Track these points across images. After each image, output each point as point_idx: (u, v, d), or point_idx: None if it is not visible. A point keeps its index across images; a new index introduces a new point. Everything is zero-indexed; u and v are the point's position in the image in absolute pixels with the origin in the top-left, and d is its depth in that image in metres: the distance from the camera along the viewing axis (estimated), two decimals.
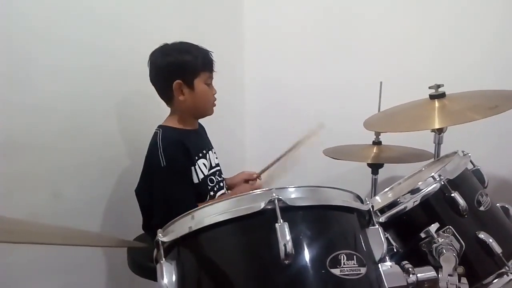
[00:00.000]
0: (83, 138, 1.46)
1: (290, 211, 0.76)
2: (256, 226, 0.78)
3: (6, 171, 1.24)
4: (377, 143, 1.74)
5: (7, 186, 1.24)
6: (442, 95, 1.42)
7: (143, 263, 1.33)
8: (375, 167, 1.74)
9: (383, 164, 1.72)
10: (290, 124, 2.13)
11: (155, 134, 1.36)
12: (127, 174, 1.56)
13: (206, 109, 1.43)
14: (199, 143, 1.44)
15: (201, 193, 1.38)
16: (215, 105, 1.45)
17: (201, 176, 1.37)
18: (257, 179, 1.62)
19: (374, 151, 1.72)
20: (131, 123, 1.64)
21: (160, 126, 1.39)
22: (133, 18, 1.62)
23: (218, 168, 1.50)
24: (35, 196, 1.32)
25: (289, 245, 0.71)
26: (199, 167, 1.38)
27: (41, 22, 1.31)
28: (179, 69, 1.35)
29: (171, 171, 1.28)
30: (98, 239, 1.00)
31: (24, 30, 1.27)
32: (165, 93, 1.39)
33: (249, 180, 1.62)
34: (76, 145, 1.44)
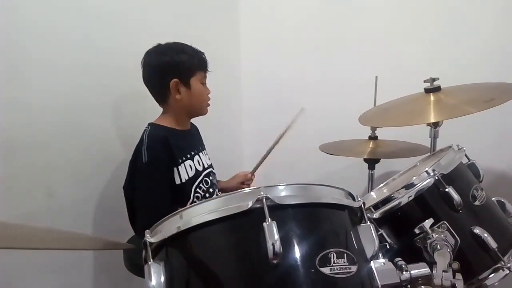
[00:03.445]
0: (78, 137, 1.45)
1: (278, 210, 0.75)
2: (244, 225, 0.77)
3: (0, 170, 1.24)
4: (373, 138, 1.73)
5: (1, 185, 1.24)
6: (437, 89, 1.41)
7: (139, 262, 1.32)
8: (372, 162, 1.73)
9: (379, 159, 1.71)
10: (286, 121, 2.12)
11: (144, 131, 1.36)
12: (122, 173, 1.55)
13: (201, 108, 1.44)
14: (187, 144, 1.43)
15: (183, 195, 1.37)
16: (209, 105, 1.45)
17: (184, 177, 1.36)
18: (253, 178, 1.62)
19: (371, 146, 1.71)
20: (126, 121, 1.63)
21: (150, 124, 1.39)
22: (128, 15, 1.61)
23: (210, 169, 1.49)
24: (29, 196, 1.31)
25: (277, 245, 0.70)
26: (185, 169, 1.37)
27: (36, 21, 1.30)
28: (176, 68, 1.35)
29: (152, 168, 1.28)
30: (86, 241, 0.99)
31: (19, 28, 1.26)
32: (161, 92, 1.39)
33: (246, 181, 1.63)
34: (71, 144, 1.43)
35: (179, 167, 1.35)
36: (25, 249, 0.69)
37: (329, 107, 2.07)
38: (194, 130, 1.54)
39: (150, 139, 1.32)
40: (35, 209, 1.31)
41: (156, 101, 1.42)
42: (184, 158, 1.38)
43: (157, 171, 1.30)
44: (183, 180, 1.35)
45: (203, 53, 1.41)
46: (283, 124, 1.60)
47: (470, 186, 1.09)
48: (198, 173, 1.41)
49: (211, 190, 1.45)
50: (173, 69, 1.35)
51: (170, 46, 1.37)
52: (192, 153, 1.43)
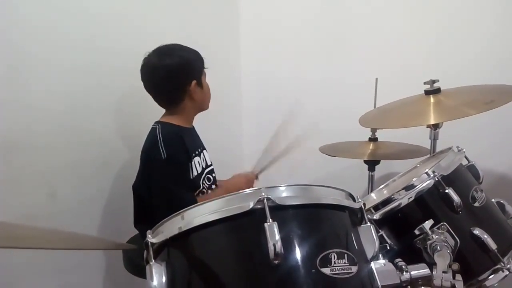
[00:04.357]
0: (79, 138, 1.46)
1: (279, 211, 0.76)
2: (246, 226, 0.78)
3: (1, 171, 1.24)
4: (373, 139, 1.73)
5: (2, 186, 1.24)
6: (437, 91, 1.41)
7: (138, 262, 1.32)
8: (372, 164, 1.73)
9: (379, 160, 1.71)
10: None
11: (154, 129, 1.36)
12: (123, 173, 1.56)
13: (208, 104, 1.48)
14: (194, 142, 1.46)
15: (195, 190, 1.39)
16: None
17: (195, 173, 1.39)
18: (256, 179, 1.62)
19: (371, 147, 1.71)
20: (128, 122, 1.64)
21: (158, 122, 1.40)
22: (128, 16, 1.62)
23: (212, 167, 1.51)
24: (31, 196, 1.32)
25: (278, 245, 0.71)
26: (195, 165, 1.39)
27: (36, 22, 1.31)
28: (191, 70, 1.37)
29: (172, 164, 1.30)
30: (87, 242, 0.99)
31: (19, 29, 1.26)
32: (174, 95, 1.38)
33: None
34: (72, 145, 1.44)
35: (192, 162, 1.38)
36: (27, 248, 0.69)
37: (329, 108, 2.07)
38: (194, 130, 1.55)
39: (166, 136, 1.32)
40: (37, 209, 1.32)
41: (163, 103, 1.41)
42: (193, 155, 1.40)
43: (178, 166, 1.32)
44: (194, 176, 1.38)
45: None
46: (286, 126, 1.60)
47: (470, 187, 1.10)
48: (203, 170, 1.44)
49: (213, 186, 1.48)
50: (189, 72, 1.37)
51: (175, 48, 1.37)
52: (199, 150, 1.46)
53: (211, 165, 1.51)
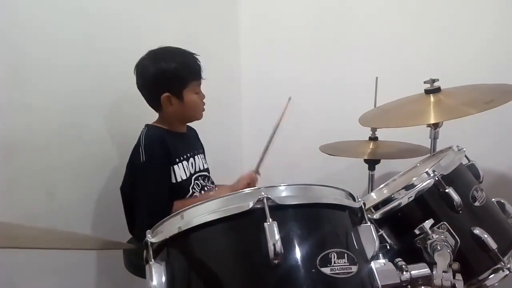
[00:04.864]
0: (78, 138, 1.46)
1: (279, 210, 0.76)
2: (246, 225, 0.78)
3: (1, 171, 1.24)
4: (373, 139, 1.73)
5: (2, 186, 1.24)
6: (437, 90, 1.41)
7: (139, 262, 1.32)
8: (372, 163, 1.73)
9: (379, 160, 1.71)
10: (287, 121, 2.12)
11: (141, 132, 1.38)
12: (123, 173, 1.56)
13: (195, 116, 1.45)
14: (183, 146, 1.44)
15: (179, 195, 1.37)
16: (204, 110, 1.45)
17: (179, 178, 1.37)
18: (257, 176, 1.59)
19: (371, 147, 1.71)
20: (126, 123, 1.63)
21: (146, 125, 1.41)
22: (128, 17, 1.61)
23: (205, 173, 1.50)
24: (30, 196, 1.31)
25: (278, 245, 0.70)
26: (180, 169, 1.38)
27: (36, 22, 1.31)
28: (167, 81, 1.34)
29: (150, 167, 1.30)
30: (86, 241, 0.99)
31: (20, 29, 1.26)
32: (153, 103, 1.40)
33: (251, 182, 1.56)
34: (71, 145, 1.44)
35: (175, 166, 1.36)
36: (26, 249, 0.69)
37: (330, 108, 2.07)
38: (191, 134, 1.54)
39: (147, 139, 1.33)
40: (35, 209, 1.31)
41: (152, 107, 1.43)
42: (178, 160, 1.38)
43: (155, 170, 1.31)
44: (179, 180, 1.37)
45: (197, 58, 1.38)
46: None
47: (470, 187, 1.10)
48: (191, 176, 1.42)
49: (203, 192, 1.46)
50: (164, 83, 1.34)
51: (163, 56, 1.34)
52: (188, 154, 1.44)
53: (204, 170, 1.49)
